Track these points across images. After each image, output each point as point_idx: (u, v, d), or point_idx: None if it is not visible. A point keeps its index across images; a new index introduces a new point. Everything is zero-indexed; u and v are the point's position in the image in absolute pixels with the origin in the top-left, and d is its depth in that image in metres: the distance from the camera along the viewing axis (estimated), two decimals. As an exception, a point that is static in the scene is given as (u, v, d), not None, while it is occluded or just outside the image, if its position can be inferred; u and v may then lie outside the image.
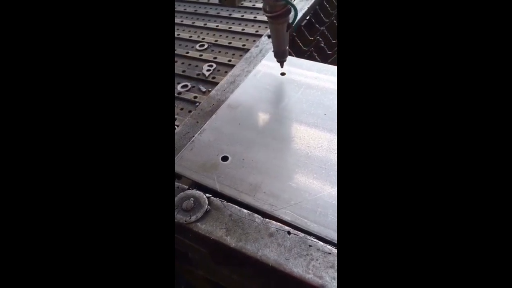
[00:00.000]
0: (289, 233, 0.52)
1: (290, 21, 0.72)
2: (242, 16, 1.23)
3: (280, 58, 0.80)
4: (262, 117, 0.73)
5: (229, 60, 1.04)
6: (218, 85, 0.84)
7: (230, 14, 1.25)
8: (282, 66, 0.81)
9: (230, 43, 1.11)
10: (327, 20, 1.10)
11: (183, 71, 1.03)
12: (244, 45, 1.08)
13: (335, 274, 0.47)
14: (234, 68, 0.88)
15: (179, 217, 0.56)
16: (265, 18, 1.23)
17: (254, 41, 1.08)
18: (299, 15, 1.03)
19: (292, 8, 0.68)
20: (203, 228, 0.54)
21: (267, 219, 0.55)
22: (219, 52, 1.09)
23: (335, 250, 0.49)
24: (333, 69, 0.83)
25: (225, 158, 0.65)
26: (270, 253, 0.50)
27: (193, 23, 1.24)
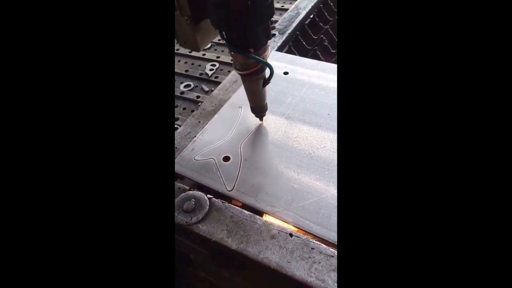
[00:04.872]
0: (291, 235, 0.51)
1: (267, 76, 0.61)
2: (246, 15, 1.22)
3: (258, 114, 0.69)
4: (265, 117, 0.72)
5: (232, 60, 1.03)
6: (221, 84, 0.84)
7: (233, 13, 1.24)
8: (261, 120, 0.71)
9: (233, 42, 1.10)
10: (331, 19, 1.09)
11: (186, 71, 1.03)
12: (247, 44, 1.07)
13: (338, 278, 0.46)
14: (237, 67, 0.88)
15: (180, 218, 0.55)
16: (268, 17, 1.22)
17: (258, 40, 1.07)
18: (303, 13, 1.02)
19: (266, 66, 0.57)
20: (204, 229, 0.54)
21: (268, 221, 0.54)
22: (222, 51, 1.08)
23: (338, 253, 0.48)
24: (337, 68, 0.82)
25: (226, 159, 0.64)
26: (271, 256, 0.49)
27: (196, 22, 1.24)
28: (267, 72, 0.60)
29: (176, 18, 0.56)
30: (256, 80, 0.61)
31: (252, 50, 0.54)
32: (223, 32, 0.54)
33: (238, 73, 0.60)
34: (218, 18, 0.51)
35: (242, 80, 0.63)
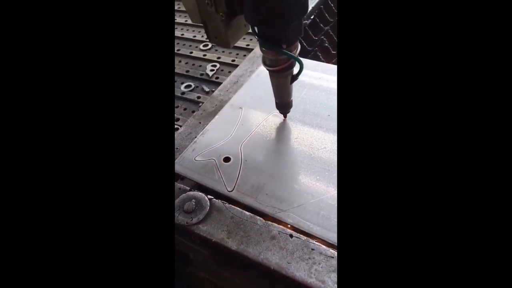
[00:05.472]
0: (291, 236, 0.51)
1: (295, 72, 0.61)
2: (246, 15, 1.22)
3: (283, 110, 0.70)
4: (265, 118, 0.72)
5: (233, 60, 1.03)
6: (221, 85, 0.84)
7: (234, 14, 1.24)
8: (285, 117, 0.71)
9: (234, 43, 1.10)
10: (332, 20, 1.09)
11: (187, 71, 1.03)
12: (248, 45, 1.07)
13: (338, 279, 0.46)
14: (238, 68, 0.88)
15: (181, 218, 0.55)
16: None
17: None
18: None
19: (297, 62, 0.57)
20: (205, 230, 0.54)
21: (269, 222, 0.54)
22: (223, 52, 1.08)
23: (338, 254, 0.49)
24: (337, 69, 0.82)
25: (227, 159, 0.64)
26: (272, 257, 0.49)
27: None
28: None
29: (209, 15, 0.57)
30: (284, 77, 0.61)
31: (284, 46, 0.54)
32: (255, 28, 0.55)
33: (268, 69, 0.60)
34: (254, 14, 0.52)
35: (270, 76, 0.63)
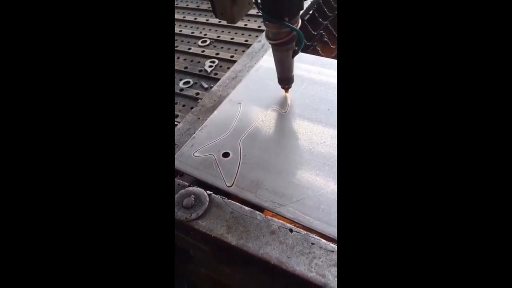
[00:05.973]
0: (291, 230, 0.51)
1: (296, 47, 0.64)
2: (245, 11, 1.21)
3: (285, 84, 0.73)
4: (264, 113, 0.72)
5: (232, 56, 1.02)
6: (220, 81, 0.83)
7: (232, 10, 1.23)
8: (287, 91, 0.74)
9: (232, 38, 1.10)
10: (331, 14, 1.08)
11: (185, 68, 1.02)
12: (246, 40, 1.07)
13: (338, 273, 0.46)
14: (236, 63, 0.87)
15: (180, 214, 0.55)
16: (268, 13, 1.22)
17: (257, 36, 1.07)
18: (302, 9, 1.01)
19: (298, 35, 0.60)
20: (204, 225, 0.54)
21: (268, 217, 0.54)
22: (222, 48, 1.08)
23: (338, 248, 0.48)
24: (337, 63, 0.81)
25: (226, 154, 0.64)
26: (272, 251, 0.49)
27: (195, 19, 1.23)
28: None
29: None
30: (286, 50, 0.64)
31: (286, 19, 0.57)
32: (259, 2, 0.58)
33: (270, 43, 0.64)
34: None
35: (273, 50, 0.67)
